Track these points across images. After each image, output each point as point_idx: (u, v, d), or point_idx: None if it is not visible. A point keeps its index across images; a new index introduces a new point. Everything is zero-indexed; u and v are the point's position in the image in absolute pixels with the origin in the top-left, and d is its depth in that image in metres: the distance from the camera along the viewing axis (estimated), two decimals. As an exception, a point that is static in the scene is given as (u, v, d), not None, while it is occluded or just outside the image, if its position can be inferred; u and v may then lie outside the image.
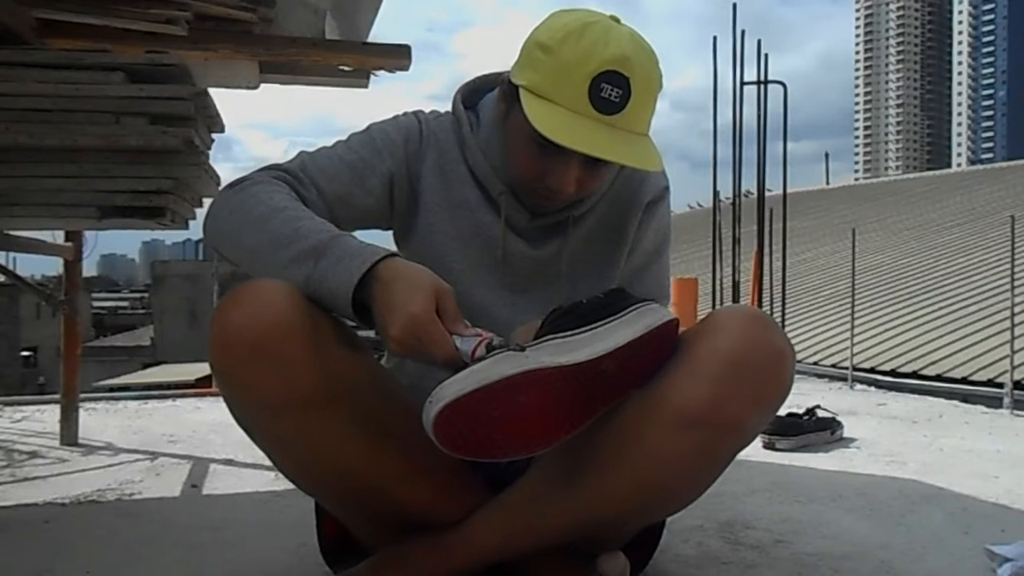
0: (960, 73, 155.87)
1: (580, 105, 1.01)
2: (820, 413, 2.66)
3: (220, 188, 1.15)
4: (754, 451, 2.38)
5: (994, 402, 3.59)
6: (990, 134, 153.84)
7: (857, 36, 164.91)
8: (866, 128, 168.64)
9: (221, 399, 1.01)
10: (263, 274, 1.02)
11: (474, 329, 0.95)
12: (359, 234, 1.20)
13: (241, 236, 1.06)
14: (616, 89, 1.01)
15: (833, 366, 5.28)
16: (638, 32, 1.06)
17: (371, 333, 1.01)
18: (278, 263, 1.00)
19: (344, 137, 1.21)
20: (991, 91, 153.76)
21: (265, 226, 1.03)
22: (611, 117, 1.02)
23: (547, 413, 0.93)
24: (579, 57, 1.01)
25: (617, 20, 1.06)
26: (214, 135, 2.55)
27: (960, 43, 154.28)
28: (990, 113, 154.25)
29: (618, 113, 1.02)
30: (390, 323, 0.92)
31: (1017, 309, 3.83)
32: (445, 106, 1.25)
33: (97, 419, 3.08)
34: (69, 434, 2.64)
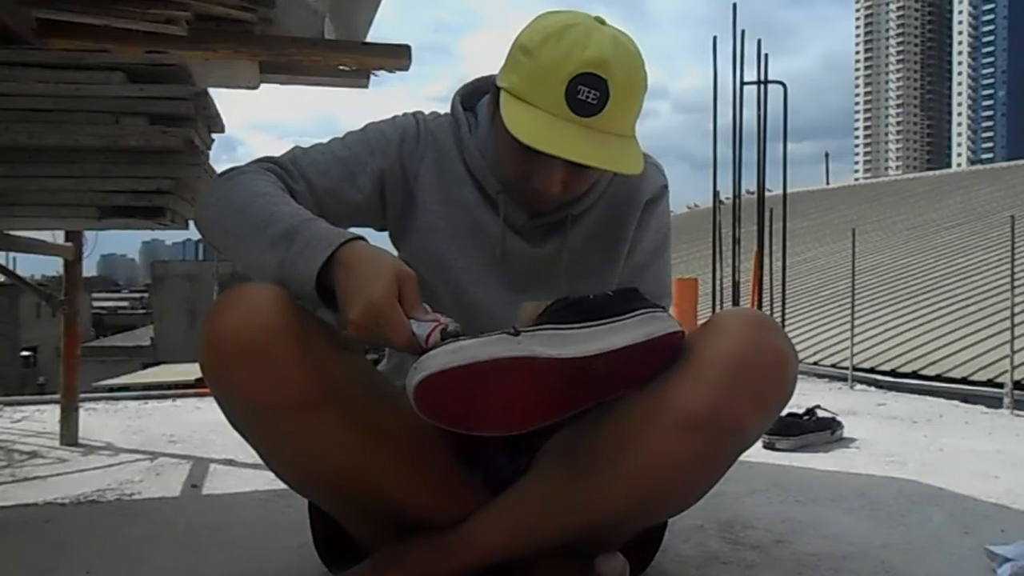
0: (960, 73, 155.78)
1: (558, 108, 1.02)
2: (820, 413, 2.66)
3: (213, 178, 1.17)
4: (754, 451, 2.36)
5: (994, 402, 3.59)
6: (990, 134, 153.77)
7: (857, 36, 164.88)
8: (866, 128, 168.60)
9: (219, 400, 1.01)
10: (245, 260, 1.04)
11: (432, 315, 0.95)
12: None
13: (225, 223, 1.07)
14: (593, 91, 1.01)
15: (833, 366, 5.28)
16: (626, 34, 1.06)
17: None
18: (256, 248, 1.01)
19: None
20: (991, 91, 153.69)
21: (245, 212, 1.04)
22: (589, 119, 1.02)
23: (528, 400, 0.95)
24: (557, 60, 1.01)
25: (602, 22, 1.06)
26: (216, 135, 2.55)
27: (960, 43, 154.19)
28: (990, 113, 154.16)
29: (596, 115, 1.02)
30: (350, 307, 0.93)
31: (1017, 309, 3.83)
32: (449, 107, 1.25)
33: (97, 419, 3.09)
34: (69, 434, 2.64)
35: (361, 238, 0.99)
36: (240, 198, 1.06)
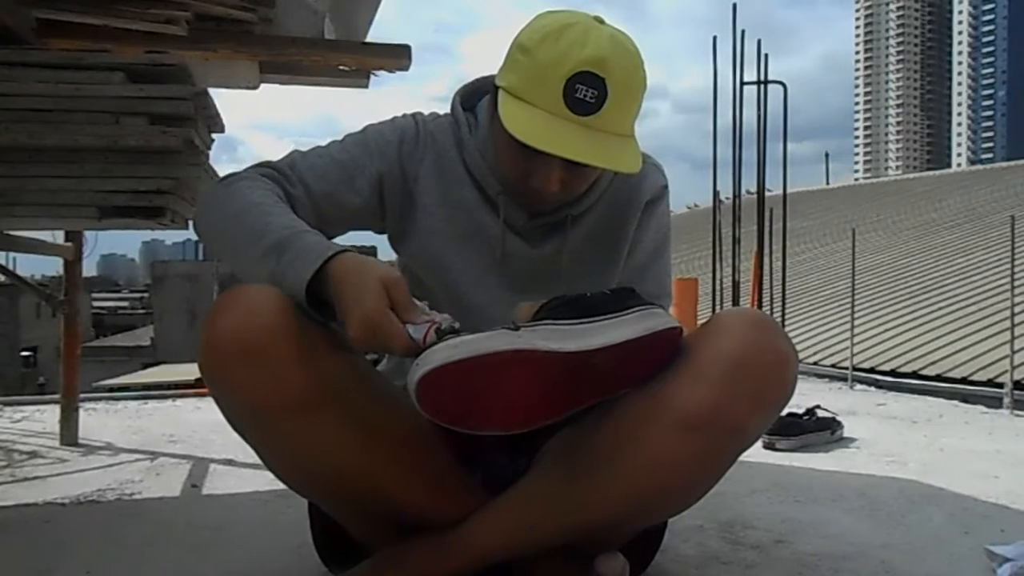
0: (960, 73, 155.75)
1: (556, 106, 1.02)
2: (820, 413, 2.66)
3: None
4: (754, 451, 2.36)
5: (994, 402, 3.59)
6: (990, 134, 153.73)
7: (857, 36, 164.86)
8: (866, 128, 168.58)
9: (219, 400, 1.01)
10: (240, 268, 1.05)
11: (428, 314, 0.95)
12: (352, 235, 1.21)
13: (221, 230, 1.08)
14: (591, 90, 1.01)
15: (833, 366, 5.28)
16: (624, 33, 1.06)
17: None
18: (250, 258, 1.02)
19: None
20: (991, 91, 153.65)
21: (240, 221, 1.04)
22: (587, 118, 1.02)
23: (529, 395, 0.94)
24: (555, 58, 1.01)
25: (601, 21, 1.06)
26: (216, 135, 2.55)
27: (960, 43, 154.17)
28: (990, 113, 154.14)
29: (594, 114, 1.02)
30: (348, 324, 0.93)
31: (1017, 309, 3.83)
32: (449, 108, 1.25)
33: (97, 419, 3.08)
34: (69, 434, 2.64)
35: (347, 249, 0.99)
36: (235, 207, 1.06)
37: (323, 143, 1.21)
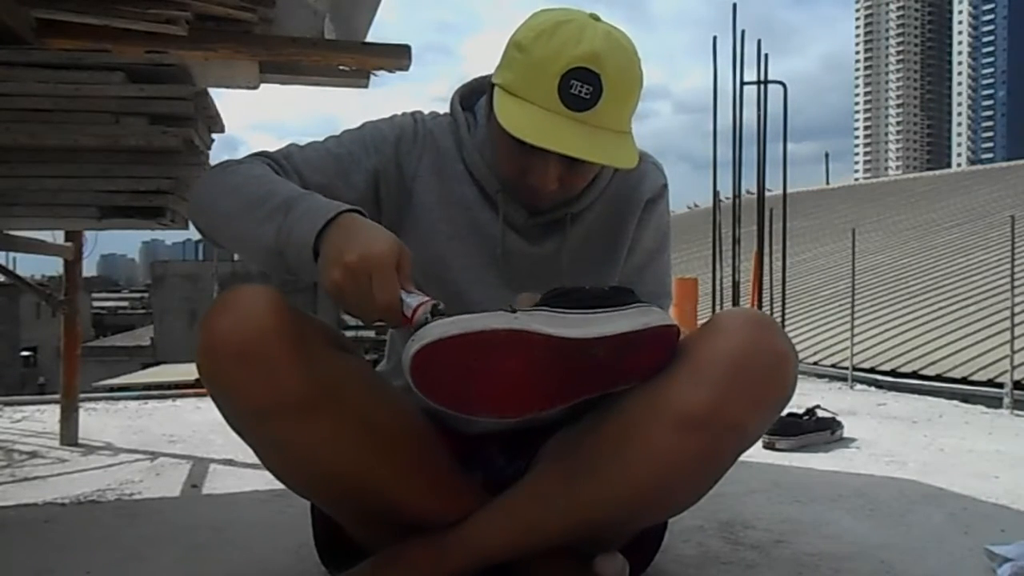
0: (960, 73, 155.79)
1: (551, 103, 1.02)
2: (820, 413, 2.66)
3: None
4: (754, 451, 2.36)
5: (994, 402, 3.60)
6: (990, 134, 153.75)
7: (857, 36, 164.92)
8: (866, 128, 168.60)
9: (219, 400, 1.01)
10: (240, 235, 1.03)
11: (423, 295, 0.95)
12: None
13: (219, 204, 1.07)
14: (586, 86, 1.01)
15: (833, 366, 5.28)
16: (620, 30, 1.06)
17: (368, 333, 1.01)
18: (252, 222, 1.01)
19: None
20: (991, 91, 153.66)
21: (240, 192, 1.04)
22: (583, 114, 1.02)
23: (525, 380, 0.94)
24: (550, 55, 1.01)
25: (596, 18, 1.06)
26: (216, 135, 2.56)
27: (960, 43, 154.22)
28: (990, 113, 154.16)
29: (589, 110, 1.02)
30: (347, 251, 0.91)
31: (1017, 309, 3.83)
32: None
33: (97, 419, 3.09)
34: (69, 434, 2.64)
35: (361, 211, 0.98)
36: (235, 181, 1.06)
37: (320, 140, 1.21)
